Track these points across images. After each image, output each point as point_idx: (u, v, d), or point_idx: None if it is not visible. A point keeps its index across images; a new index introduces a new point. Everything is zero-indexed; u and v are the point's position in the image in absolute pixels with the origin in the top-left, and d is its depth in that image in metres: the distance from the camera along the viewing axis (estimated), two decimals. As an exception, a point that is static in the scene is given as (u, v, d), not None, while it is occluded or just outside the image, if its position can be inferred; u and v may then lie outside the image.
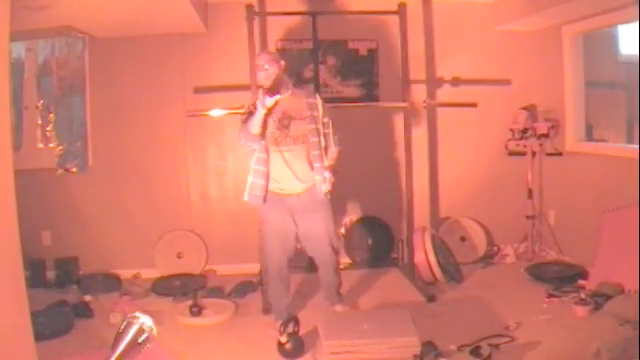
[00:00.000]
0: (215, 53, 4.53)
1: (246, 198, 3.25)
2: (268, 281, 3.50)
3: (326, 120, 3.26)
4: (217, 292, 4.08)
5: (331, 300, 3.54)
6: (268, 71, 3.17)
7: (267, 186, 3.20)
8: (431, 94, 4.71)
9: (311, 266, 4.31)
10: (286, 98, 3.18)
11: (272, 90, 3.10)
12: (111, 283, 4.27)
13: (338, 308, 3.53)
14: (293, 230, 3.29)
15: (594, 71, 4.51)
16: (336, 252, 3.43)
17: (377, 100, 4.65)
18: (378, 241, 4.69)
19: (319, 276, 3.54)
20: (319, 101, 3.26)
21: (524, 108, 4.64)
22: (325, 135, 3.26)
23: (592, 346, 2.66)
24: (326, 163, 3.25)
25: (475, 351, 2.86)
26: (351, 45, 4.65)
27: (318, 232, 3.30)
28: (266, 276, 3.50)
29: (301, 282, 4.17)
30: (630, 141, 4.22)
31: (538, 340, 3.06)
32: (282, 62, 3.25)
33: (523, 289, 3.98)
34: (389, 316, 3.07)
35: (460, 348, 2.95)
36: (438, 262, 4.08)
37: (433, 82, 4.72)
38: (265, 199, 3.21)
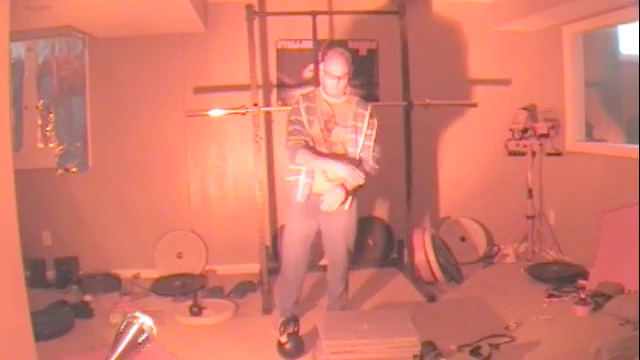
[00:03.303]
0: (215, 53, 4.53)
1: (299, 199, 3.11)
2: (281, 276, 3.41)
3: (369, 132, 3.10)
4: (217, 292, 4.08)
5: (336, 307, 3.42)
6: (340, 83, 3.03)
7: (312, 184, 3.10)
8: (431, 94, 4.70)
9: (312, 265, 4.32)
10: (338, 103, 3.11)
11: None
12: (111, 283, 4.26)
13: None
14: (315, 228, 3.23)
15: (594, 71, 4.51)
16: (350, 255, 3.35)
17: (377, 100, 4.65)
18: (378, 241, 4.69)
19: (327, 277, 3.47)
20: (367, 112, 3.11)
21: (524, 108, 4.64)
22: (364, 147, 3.11)
23: (592, 346, 2.66)
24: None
25: (475, 351, 2.86)
26: (351, 45, 4.64)
27: (339, 233, 3.23)
28: (281, 273, 3.40)
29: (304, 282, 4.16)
30: (630, 141, 4.21)
31: (538, 340, 3.06)
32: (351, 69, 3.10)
33: (523, 289, 3.98)
34: (389, 316, 3.07)
35: (460, 348, 2.95)
36: (438, 262, 4.09)
37: (433, 82, 4.71)
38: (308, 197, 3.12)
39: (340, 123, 3.09)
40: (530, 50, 4.79)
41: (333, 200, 3.03)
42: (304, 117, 3.07)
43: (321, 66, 3.13)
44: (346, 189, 3.04)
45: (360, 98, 3.23)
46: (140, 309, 2.65)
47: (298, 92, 4.52)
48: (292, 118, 3.10)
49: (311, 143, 3.06)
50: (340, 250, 3.28)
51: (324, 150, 3.08)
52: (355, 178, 2.99)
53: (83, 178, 4.51)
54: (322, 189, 3.10)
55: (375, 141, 3.14)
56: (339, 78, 3.02)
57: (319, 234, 3.27)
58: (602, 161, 4.13)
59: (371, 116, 3.12)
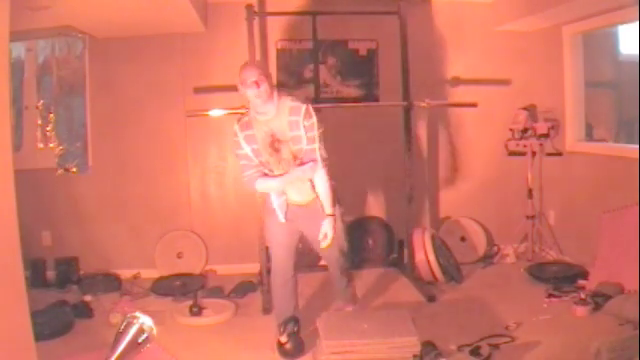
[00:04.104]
0: (215, 53, 4.53)
1: (282, 220, 3.05)
2: (271, 285, 3.34)
3: (310, 135, 2.87)
4: (217, 292, 4.08)
5: (343, 300, 3.49)
6: (260, 88, 2.77)
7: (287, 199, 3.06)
8: (431, 94, 4.70)
9: (312, 265, 4.33)
10: (272, 118, 2.87)
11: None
12: (111, 283, 4.27)
13: (349, 309, 3.50)
14: (297, 234, 3.18)
15: (594, 71, 4.51)
16: (344, 255, 3.32)
17: (377, 100, 4.65)
18: (378, 241, 4.69)
19: (330, 276, 3.51)
20: (300, 117, 2.84)
21: (524, 108, 4.64)
22: (306, 152, 2.91)
23: (592, 346, 2.66)
24: (327, 209, 2.98)
25: (475, 351, 2.86)
26: (351, 45, 4.65)
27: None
28: (271, 281, 3.32)
29: (300, 282, 4.14)
30: (630, 141, 4.22)
31: (538, 340, 3.06)
32: (270, 73, 2.91)
33: (523, 289, 3.98)
34: (389, 316, 3.07)
35: (460, 348, 2.95)
36: (438, 262, 4.09)
37: (433, 82, 4.72)
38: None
39: (282, 139, 2.89)
40: (530, 50, 4.79)
41: (329, 229, 2.98)
42: (247, 149, 2.94)
43: (239, 87, 2.87)
44: (332, 214, 2.99)
45: (294, 101, 2.90)
46: (140, 309, 2.64)
47: (297, 93, 4.57)
48: (237, 152, 3.00)
49: (265, 170, 2.99)
50: (332, 253, 3.24)
51: (280, 171, 2.96)
52: (310, 170, 2.91)
53: (83, 178, 4.51)
54: (296, 200, 3.05)
55: (319, 140, 2.91)
56: (256, 83, 2.77)
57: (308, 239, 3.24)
58: (602, 161, 4.13)
59: (306, 118, 2.85)
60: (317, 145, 2.91)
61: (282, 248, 3.16)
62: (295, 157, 2.93)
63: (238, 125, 2.97)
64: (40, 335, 2.78)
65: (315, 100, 4.36)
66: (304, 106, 2.88)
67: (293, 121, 2.85)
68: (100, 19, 3.88)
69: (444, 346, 2.90)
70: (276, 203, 3.05)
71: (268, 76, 2.86)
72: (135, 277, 4.48)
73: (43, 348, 2.64)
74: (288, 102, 2.89)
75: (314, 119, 2.89)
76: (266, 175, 3.00)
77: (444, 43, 4.75)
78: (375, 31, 4.61)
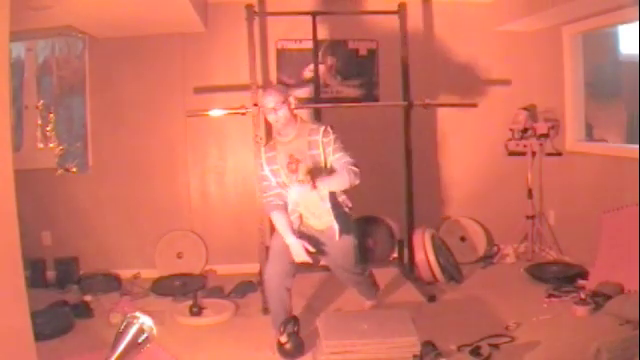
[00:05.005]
0: (215, 53, 4.54)
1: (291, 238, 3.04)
2: (267, 288, 3.26)
3: (329, 149, 3.02)
4: (217, 292, 4.08)
5: (365, 295, 3.63)
6: (278, 114, 2.96)
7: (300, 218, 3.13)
8: (431, 94, 4.70)
9: (312, 265, 4.32)
10: (292, 139, 3.05)
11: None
12: (111, 283, 4.27)
13: (367, 304, 3.63)
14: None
15: (594, 71, 4.51)
16: (352, 273, 3.42)
17: (377, 100, 4.65)
18: (378, 241, 4.69)
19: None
20: (319, 136, 3.01)
21: (524, 108, 4.64)
22: (333, 161, 3.03)
23: (592, 346, 2.66)
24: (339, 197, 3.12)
25: (475, 351, 2.86)
26: (351, 45, 4.65)
27: (336, 262, 3.32)
28: (266, 285, 3.27)
29: (300, 282, 4.15)
30: (630, 141, 4.22)
31: (538, 340, 3.06)
32: (290, 97, 3.05)
33: (523, 289, 3.98)
34: (389, 316, 3.07)
35: (460, 348, 2.95)
36: (438, 262, 4.09)
37: (433, 82, 4.72)
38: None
39: (300, 159, 3.04)
40: (530, 50, 4.79)
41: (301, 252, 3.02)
42: (267, 170, 3.09)
43: (261, 109, 3.19)
44: (306, 249, 3.01)
45: (315, 124, 3.17)
46: (140, 309, 2.65)
47: (297, 92, 4.58)
48: (260, 174, 3.19)
49: (284, 192, 3.07)
50: (342, 275, 3.44)
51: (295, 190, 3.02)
52: (347, 177, 3.01)
53: (83, 178, 4.51)
54: (313, 224, 3.17)
55: (342, 150, 3.04)
56: (274, 110, 2.96)
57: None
58: (602, 161, 4.13)
59: (325, 135, 3.02)
60: (342, 154, 3.02)
61: (282, 254, 3.10)
62: (312, 179, 2.96)
63: (264, 148, 3.21)
64: (40, 335, 2.78)
65: (315, 100, 4.37)
66: (323, 127, 3.07)
67: (312, 141, 3.02)
68: (100, 19, 3.89)
69: (444, 346, 2.90)
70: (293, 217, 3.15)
71: (287, 102, 3.02)
72: (135, 277, 4.48)
73: (43, 348, 2.65)
74: (309, 125, 3.13)
75: (332, 136, 3.04)
76: (285, 205, 3.08)
77: (444, 43, 4.75)
78: (375, 31, 4.61)
